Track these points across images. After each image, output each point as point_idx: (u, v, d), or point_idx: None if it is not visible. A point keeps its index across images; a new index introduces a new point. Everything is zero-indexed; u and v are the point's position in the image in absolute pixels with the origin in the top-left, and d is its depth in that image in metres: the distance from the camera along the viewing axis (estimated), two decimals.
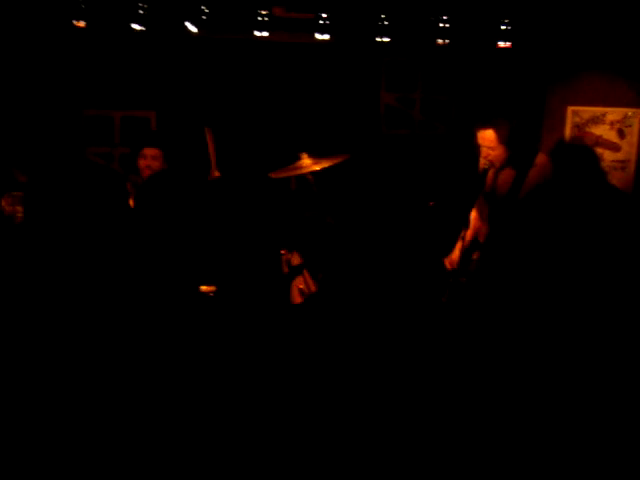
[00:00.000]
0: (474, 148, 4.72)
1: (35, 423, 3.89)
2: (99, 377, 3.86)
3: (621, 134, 6.17)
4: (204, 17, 5.32)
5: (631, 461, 3.79)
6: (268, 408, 4.04)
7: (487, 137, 4.48)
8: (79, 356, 4.05)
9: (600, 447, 3.88)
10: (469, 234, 4.73)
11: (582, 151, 5.05)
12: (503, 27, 5.31)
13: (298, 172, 4.93)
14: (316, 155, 4.93)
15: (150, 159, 5.04)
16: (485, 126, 4.49)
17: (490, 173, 4.62)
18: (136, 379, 3.93)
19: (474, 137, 4.64)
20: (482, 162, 4.61)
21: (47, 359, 3.74)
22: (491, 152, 4.50)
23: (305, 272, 4.93)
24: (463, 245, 4.68)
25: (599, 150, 6.05)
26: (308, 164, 4.90)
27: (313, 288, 4.90)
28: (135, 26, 5.36)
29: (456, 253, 4.73)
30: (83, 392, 3.72)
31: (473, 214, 4.77)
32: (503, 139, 4.45)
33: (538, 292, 4.47)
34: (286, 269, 4.92)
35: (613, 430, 3.99)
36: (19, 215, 4.67)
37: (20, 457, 3.75)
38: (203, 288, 4.81)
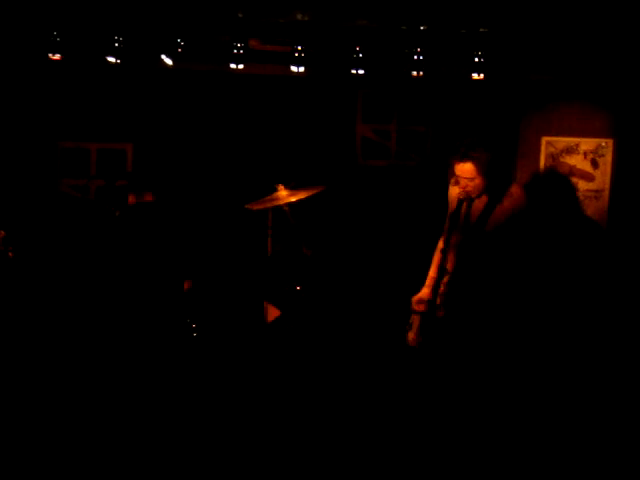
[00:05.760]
0: (447, 178, 4.72)
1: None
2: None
3: (595, 164, 6.23)
4: (180, 50, 5.33)
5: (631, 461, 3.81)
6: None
7: (466, 169, 4.43)
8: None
9: (600, 447, 3.90)
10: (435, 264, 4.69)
11: (557, 181, 5.07)
12: (476, 59, 5.36)
13: (275, 204, 4.94)
14: (292, 187, 4.94)
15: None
16: (464, 159, 4.44)
17: (464, 203, 4.60)
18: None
19: (449, 168, 4.64)
20: (457, 192, 4.58)
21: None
22: (470, 183, 4.47)
23: None
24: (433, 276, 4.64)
25: (573, 179, 6.11)
26: (284, 196, 4.91)
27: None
28: (111, 59, 5.36)
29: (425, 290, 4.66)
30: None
31: (440, 245, 4.74)
32: (482, 170, 4.43)
33: (512, 318, 4.48)
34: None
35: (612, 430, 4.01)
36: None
37: (20, 457, 3.74)
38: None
